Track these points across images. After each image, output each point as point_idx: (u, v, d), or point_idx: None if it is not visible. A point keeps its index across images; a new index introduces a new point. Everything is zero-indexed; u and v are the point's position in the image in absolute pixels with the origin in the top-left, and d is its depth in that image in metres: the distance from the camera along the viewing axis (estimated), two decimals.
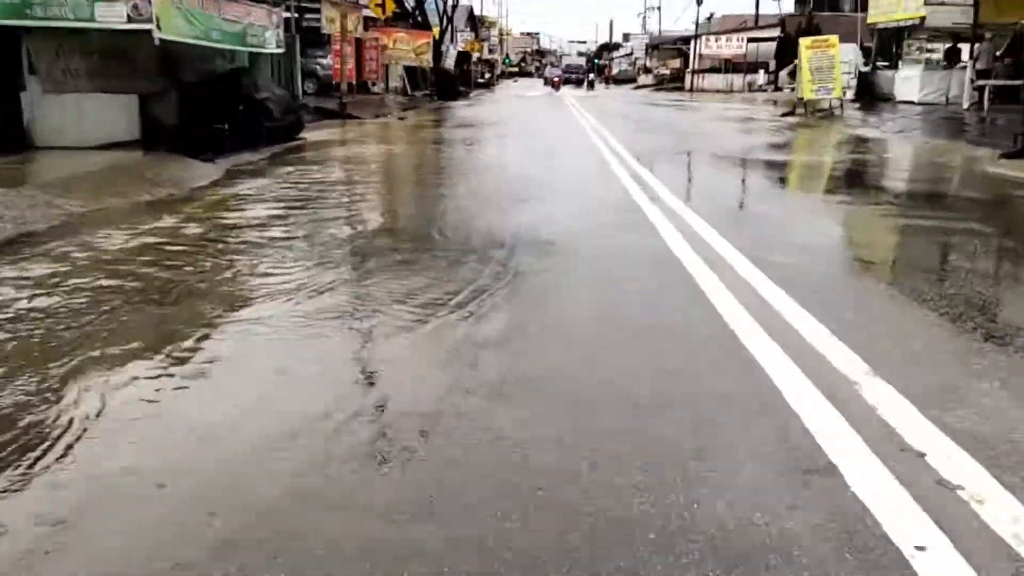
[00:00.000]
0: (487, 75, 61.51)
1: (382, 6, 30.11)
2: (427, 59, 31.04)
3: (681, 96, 44.61)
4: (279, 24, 13.73)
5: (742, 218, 7.39)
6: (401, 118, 20.80)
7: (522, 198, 7.84)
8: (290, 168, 10.20)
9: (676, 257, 5.31)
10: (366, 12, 30.83)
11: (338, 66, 24.80)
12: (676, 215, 6.81)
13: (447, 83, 35.07)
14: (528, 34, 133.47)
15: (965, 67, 18.82)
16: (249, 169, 10.01)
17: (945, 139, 15.13)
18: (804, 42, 22.87)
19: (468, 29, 53.40)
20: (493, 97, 40.64)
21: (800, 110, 22.83)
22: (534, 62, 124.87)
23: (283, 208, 7.29)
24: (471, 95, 41.80)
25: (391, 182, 9.73)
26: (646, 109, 30.13)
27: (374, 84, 30.34)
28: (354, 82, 25.20)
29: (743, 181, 10.13)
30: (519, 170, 10.48)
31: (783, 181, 10.27)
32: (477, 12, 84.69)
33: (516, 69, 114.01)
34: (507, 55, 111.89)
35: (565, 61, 78.46)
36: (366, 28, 30.53)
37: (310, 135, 14.57)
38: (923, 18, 19.24)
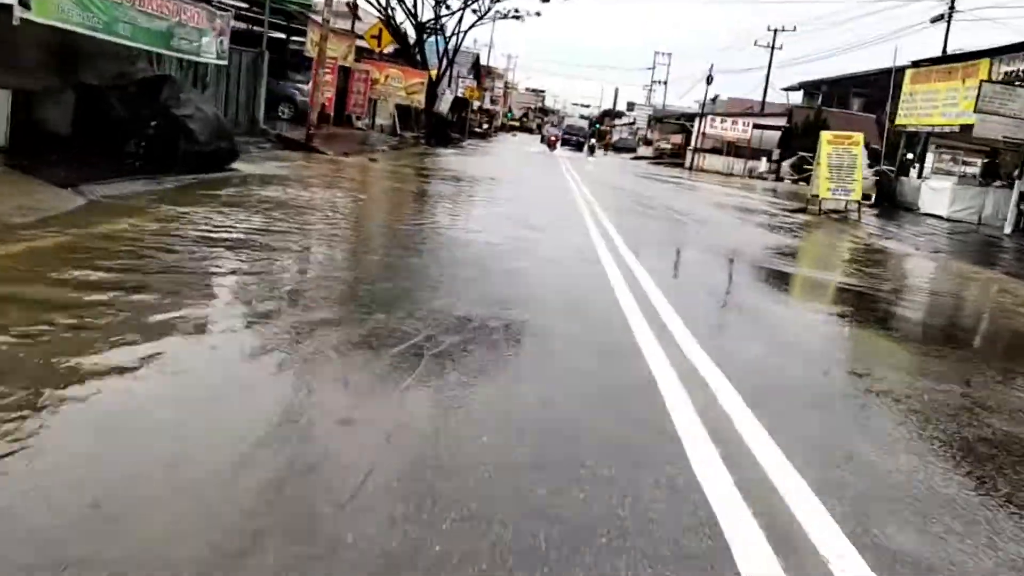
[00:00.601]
0: (485, 125, 59.92)
1: (378, 38, 28.16)
2: (419, 99, 29.03)
3: (680, 173, 42.99)
4: (223, 31, 11.42)
5: (747, 360, 5.02)
6: (373, 159, 18.51)
7: (490, 302, 5.51)
8: (184, 209, 7.74)
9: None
10: (361, 43, 28.89)
11: (318, 93, 22.62)
12: (676, 346, 4.44)
13: (438, 128, 33.05)
14: (533, 90, 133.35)
15: (1005, 185, 16.92)
16: (122, 205, 7.53)
17: (979, 265, 13.03)
18: (825, 136, 20.99)
19: (471, 76, 51.87)
20: (486, 149, 38.68)
21: (813, 208, 20.86)
22: (536, 118, 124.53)
23: (102, 278, 4.82)
24: (464, 144, 39.88)
25: (313, 248, 7.27)
26: (645, 184, 28.18)
27: (359, 119, 28.22)
28: (331, 114, 23.00)
29: (751, 298, 7.83)
30: (491, 252, 8.12)
31: (797, 296, 8.01)
32: (485, 62, 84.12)
33: (517, 124, 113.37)
34: (510, 108, 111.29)
35: (567, 122, 77.33)
36: (358, 59, 28.56)
37: (251, 167, 12.20)
38: (970, 126, 17.18)
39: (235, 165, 11.60)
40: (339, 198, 10.79)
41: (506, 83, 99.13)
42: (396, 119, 34.10)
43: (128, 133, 9.45)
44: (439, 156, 25.16)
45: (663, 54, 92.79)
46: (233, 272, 5.61)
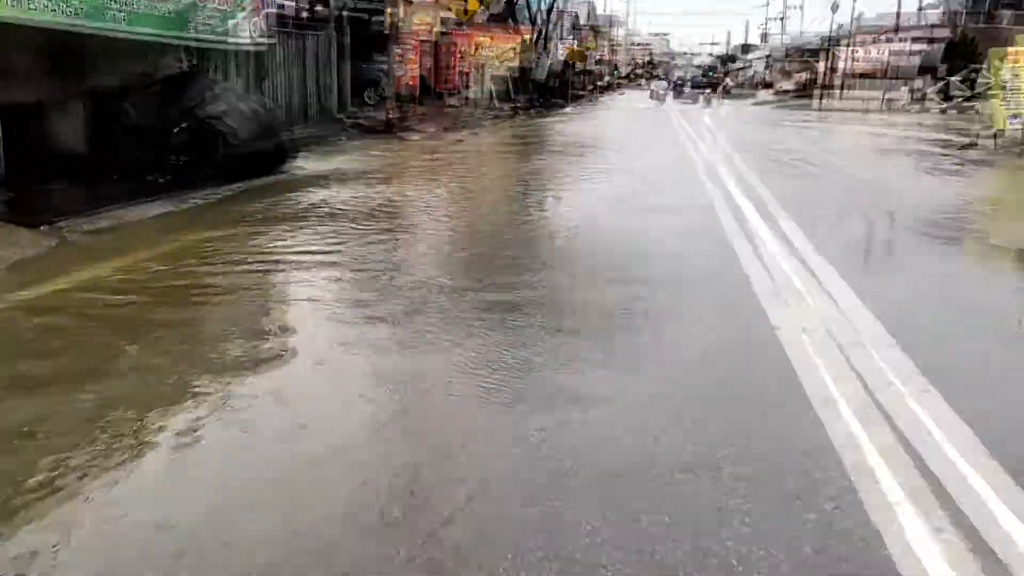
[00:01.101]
0: (590, 86, 57.01)
1: (464, 7, 26.24)
2: (514, 67, 26.92)
3: (808, 115, 38.80)
4: (260, 9, 9.73)
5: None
6: (460, 139, 16.68)
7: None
8: (197, 238, 6.13)
9: None
10: (445, 14, 27.05)
11: (400, 72, 21.02)
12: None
13: (537, 95, 30.87)
14: (658, 35, 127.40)
15: None
16: (106, 243, 5.97)
17: None
18: (995, 54, 17.32)
19: (571, 38, 49.10)
20: (591, 111, 36.12)
21: (986, 141, 17.31)
22: (644, 73, 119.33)
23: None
24: (567, 109, 37.45)
25: (370, 300, 5.49)
26: (771, 132, 24.96)
27: (451, 94, 26.50)
28: (417, 93, 21.36)
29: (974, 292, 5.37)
30: (596, 247, 6.08)
31: None
32: (586, 19, 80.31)
33: (625, 80, 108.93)
34: (615, 67, 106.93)
35: (677, 73, 72.83)
36: (446, 31, 26.77)
37: (312, 164, 10.64)
38: None
39: (294, 163, 10.05)
40: (409, 194, 8.97)
41: (610, 40, 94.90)
42: (492, 91, 32.17)
43: (150, 143, 7.98)
44: (539, 125, 23.05)
45: None
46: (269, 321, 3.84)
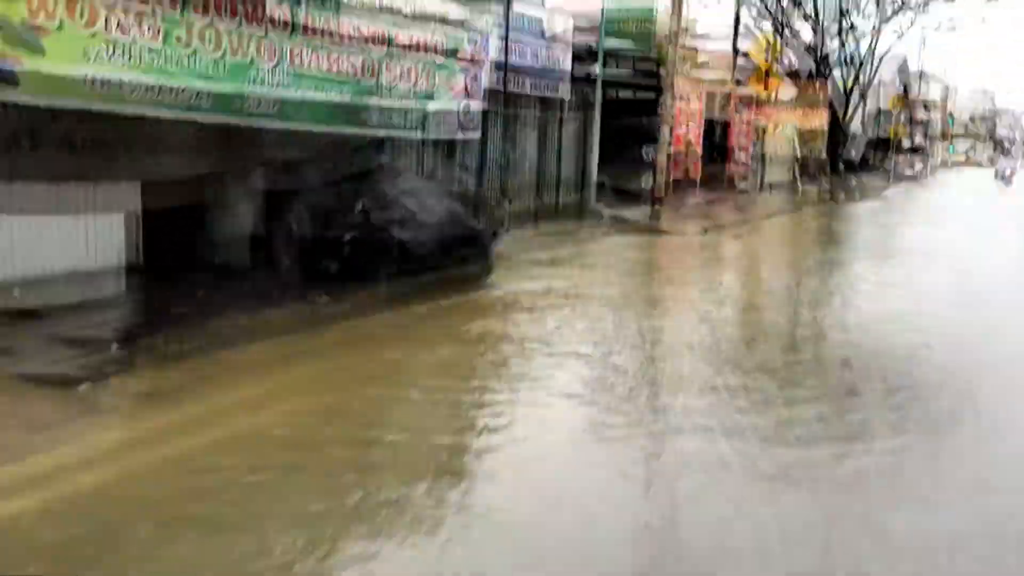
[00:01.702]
0: (917, 165, 49.47)
1: (764, 82, 23.37)
2: (818, 147, 23.29)
3: None
4: (472, 89, 7.83)
5: None
6: (738, 235, 13.75)
7: None
8: (294, 406, 4.33)
9: None
10: (743, 91, 24.35)
11: (663, 156, 18.73)
12: None
13: (847, 175, 26.66)
14: (981, 92, 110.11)
15: None
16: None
17: None
18: None
19: (899, 84, 42.77)
20: (912, 199, 30.40)
21: None
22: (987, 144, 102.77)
23: None
24: (887, 192, 32.01)
25: None
26: None
27: (743, 178, 23.53)
28: (697, 177, 18.81)
29: None
30: None
31: None
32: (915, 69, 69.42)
33: (963, 158, 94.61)
34: (951, 140, 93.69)
35: None
36: (740, 106, 24.02)
37: (534, 273, 8.71)
38: None
39: (504, 282, 8.17)
40: (633, 348, 6.44)
41: (946, 88, 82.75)
42: (796, 172, 28.45)
43: (315, 256, 6.53)
44: (840, 219, 19.16)
45: None
46: None
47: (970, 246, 13.43)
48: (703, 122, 18.56)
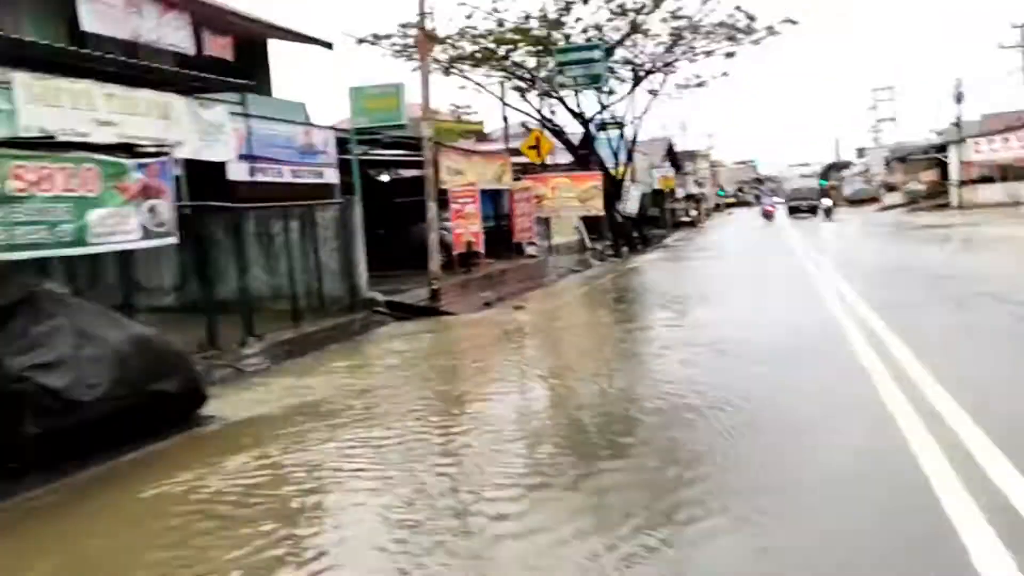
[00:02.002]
0: (693, 212, 53.49)
1: (536, 148, 23.62)
2: (596, 206, 23.74)
3: (957, 218, 33.39)
4: (155, 190, 6.52)
5: None
6: (520, 306, 13.10)
7: None
8: None
9: None
10: (519, 159, 24.51)
11: (458, 230, 18.12)
12: None
13: (628, 232, 27.50)
14: (742, 162, 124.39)
15: None
16: None
17: None
18: None
19: (667, 164, 46.24)
20: (696, 243, 32.25)
21: None
22: (752, 190, 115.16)
23: None
24: (667, 241, 33.81)
25: None
26: (921, 247, 20.25)
27: (530, 244, 23.43)
28: (481, 250, 18.29)
29: None
30: None
31: None
32: (683, 148, 77.85)
33: (733, 200, 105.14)
34: (720, 187, 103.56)
35: (790, 185, 67.85)
36: (519, 176, 24.10)
37: (292, 381, 7.35)
38: None
39: (251, 389, 6.70)
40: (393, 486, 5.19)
41: (711, 161, 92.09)
42: (583, 233, 29.09)
43: None
44: (628, 273, 19.35)
45: (882, 89, 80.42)
46: None
47: (709, 267, 13.97)
48: (477, 194, 18.13)
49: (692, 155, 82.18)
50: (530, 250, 23.15)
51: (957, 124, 51.72)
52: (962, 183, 42.44)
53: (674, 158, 54.14)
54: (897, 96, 77.54)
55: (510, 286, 16.08)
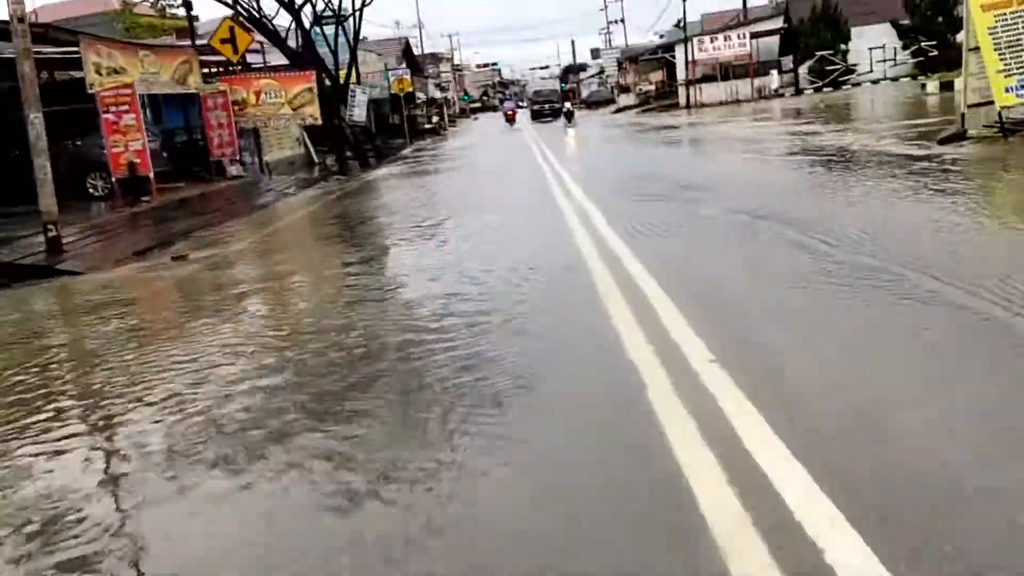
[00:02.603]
0: (435, 118, 50.83)
1: (231, 41, 19.23)
2: (311, 112, 20.08)
3: (687, 117, 33.83)
4: None
5: None
6: (180, 256, 9.51)
7: None
8: None
9: None
10: (209, 57, 20.01)
11: (115, 148, 13.91)
12: None
13: (357, 143, 24.13)
14: (485, 65, 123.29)
15: None
16: None
17: None
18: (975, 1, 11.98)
19: (403, 67, 42.69)
20: (436, 152, 29.57)
21: (980, 127, 11.92)
22: (496, 94, 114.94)
23: None
24: (405, 151, 30.81)
25: None
26: (654, 149, 19.23)
27: (233, 162, 19.36)
28: (150, 174, 14.16)
29: None
30: None
31: None
32: (429, 50, 74.27)
33: (479, 104, 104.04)
34: (465, 91, 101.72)
35: (532, 88, 67.19)
36: (208, 79, 19.68)
37: None
38: None
39: None
40: None
41: (453, 64, 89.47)
42: (308, 145, 25.17)
43: None
44: (349, 196, 16.21)
45: None
46: None
47: (446, 179, 11.42)
48: (136, 99, 13.83)
49: (436, 58, 79.14)
50: (233, 169, 19.15)
51: (679, 25, 53.47)
52: (689, 83, 43.67)
53: (412, 60, 50.70)
54: None
55: (192, 220, 12.35)
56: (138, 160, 13.62)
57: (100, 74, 14.69)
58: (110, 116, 13.38)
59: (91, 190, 15.12)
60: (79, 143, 14.93)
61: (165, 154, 17.32)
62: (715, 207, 8.52)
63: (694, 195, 9.73)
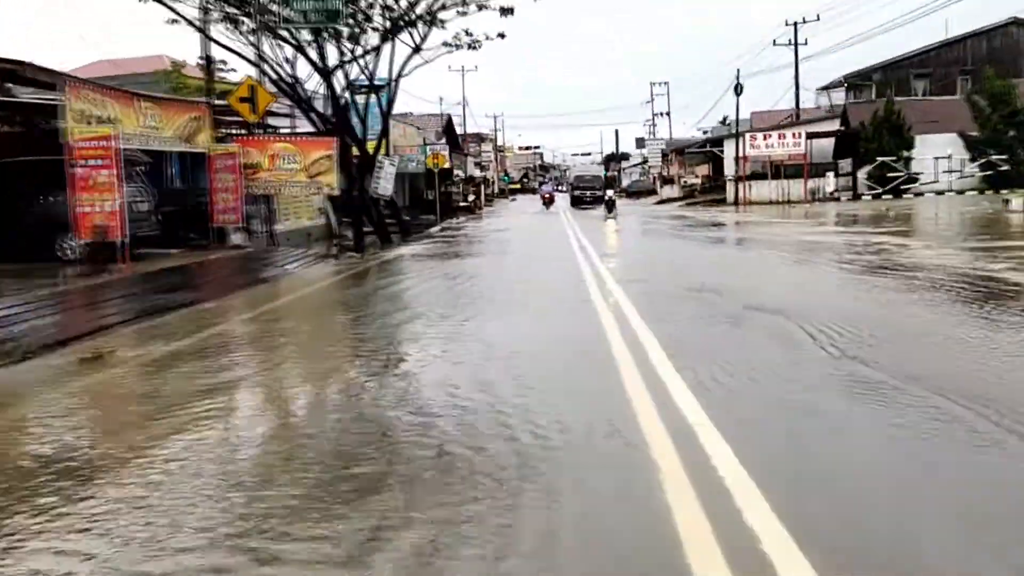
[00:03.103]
0: (471, 196, 49.44)
1: (251, 101, 17.61)
2: (328, 181, 18.23)
3: (737, 215, 31.66)
4: None
5: None
6: (94, 358, 7.21)
7: None
8: None
9: None
10: (228, 116, 18.40)
11: (82, 207, 11.96)
12: None
13: (380, 218, 22.23)
14: (527, 148, 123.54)
15: None
16: None
17: None
18: None
19: (442, 142, 41.45)
20: (462, 235, 27.60)
21: None
22: (537, 177, 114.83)
23: None
24: (431, 229, 28.89)
25: None
26: (718, 254, 16.93)
27: (237, 230, 17.43)
28: (120, 239, 12.14)
29: None
30: None
31: None
32: (473, 130, 73.94)
33: (518, 186, 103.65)
34: (505, 172, 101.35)
35: (575, 172, 66.16)
36: (223, 139, 17.96)
37: None
38: None
39: None
40: None
41: (495, 144, 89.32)
42: (331, 216, 23.28)
43: None
44: (353, 280, 14.01)
45: (659, 83, 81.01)
46: None
47: (473, 268, 9.20)
48: (116, 153, 11.92)
49: (479, 137, 78.82)
50: (235, 238, 17.17)
51: (724, 122, 52.12)
52: (738, 179, 41.73)
53: (453, 136, 49.74)
54: (674, 91, 78.33)
55: (152, 300, 10.13)
56: (109, 224, 11.60)
57: (89, 123, 12.90)
58: (79, 171, 11.44)
59: (60, 253, 13.13)
60: (51, 199, 13.03)
61: (158, 217, 15.42)
62: (810, 349, 6.05)
63: (768, 321, 7.31)
